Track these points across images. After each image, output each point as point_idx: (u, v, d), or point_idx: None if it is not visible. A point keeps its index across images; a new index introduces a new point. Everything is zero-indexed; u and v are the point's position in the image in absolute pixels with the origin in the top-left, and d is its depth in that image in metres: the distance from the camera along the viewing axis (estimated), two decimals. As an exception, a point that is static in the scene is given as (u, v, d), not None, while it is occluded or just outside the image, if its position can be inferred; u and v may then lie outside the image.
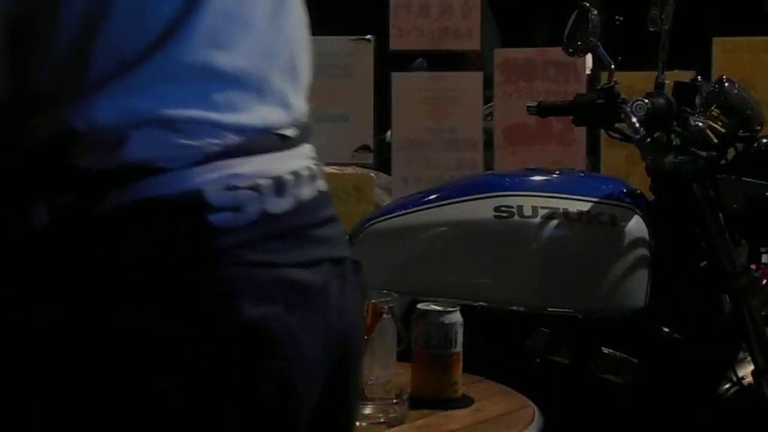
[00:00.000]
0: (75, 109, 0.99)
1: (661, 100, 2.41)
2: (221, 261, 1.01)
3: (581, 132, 3.81)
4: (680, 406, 2.39)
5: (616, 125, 2.51)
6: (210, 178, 1.01)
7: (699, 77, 2.62)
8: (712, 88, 2.44)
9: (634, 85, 2.67)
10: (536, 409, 1.92)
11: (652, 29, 2.49)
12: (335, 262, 1.14)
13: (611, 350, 2.36)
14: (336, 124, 3.99)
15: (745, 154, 2.42)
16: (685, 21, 2.78)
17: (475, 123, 3.94)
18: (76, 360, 0.98)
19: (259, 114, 1.07)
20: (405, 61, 4.38)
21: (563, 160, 3.79)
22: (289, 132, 1.11)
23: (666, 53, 2.50)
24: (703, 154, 2.38)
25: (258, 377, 1.03)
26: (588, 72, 3.93)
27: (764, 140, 2.41)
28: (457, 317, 1.93)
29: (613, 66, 2.48)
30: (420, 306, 1.96)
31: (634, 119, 2.39)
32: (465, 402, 1.93)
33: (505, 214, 2.40)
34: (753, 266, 2.41)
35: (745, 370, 2.37)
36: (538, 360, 2.37)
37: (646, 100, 2.39)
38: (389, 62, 4.10)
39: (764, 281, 2.47)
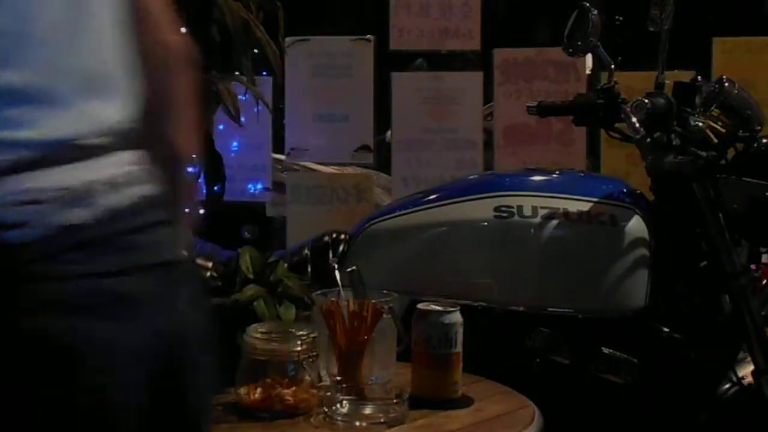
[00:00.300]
0: None
1: (661, 100, 2.41)
2: (20, 276, 1.00)
3: (581, 132, 3.81)
4: (680, 406, 2.39)
5: (616, 125, 2.50)
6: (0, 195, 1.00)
7: (699, 77, 2.62)
8: (712, 88, 2.43)
9: (634, 85, 2.67)
10: (536, 409, 1.92)
11: (652, 29, 2.49)
12: (161, 266, 1.11)
13: (611, 350, 2.36)
14: (336, 124, 3.99)
15: (745, 154, 2.42)
16: (685, 21, 2.77)
17: (475, 123, 3.94)
18: None
19: (53, 127, 1.05)
20: (405, 61, 4.39)
21: (563, 160, 3.80)
22: (96, 141, 1.09)
23: (666, 53, 2.50)
24: (703, 154, 2.38)
25: (69, 391, 1.01)
26: (588, 72, 3.93)
27: (764, 140, 2.41)
28: (457, 317, 1.93)
29: (613, 66, 2.48)
30: (420, 306, 1.96)
31: (634, 119, 2.39)
32: (465, 402, 1.93)
33: (505, 214, 2.40)
34: (753, 266, 2.41)
35: (745, 370, 2.37)
36: (538, 360, 2.37)
37: (646, 100, 2.39)
38: (389, 62, 4.10)
39: (764, 281, 2.47)
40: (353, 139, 3.99)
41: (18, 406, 1.00)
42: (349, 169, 4.46)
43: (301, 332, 1.87)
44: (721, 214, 2.36)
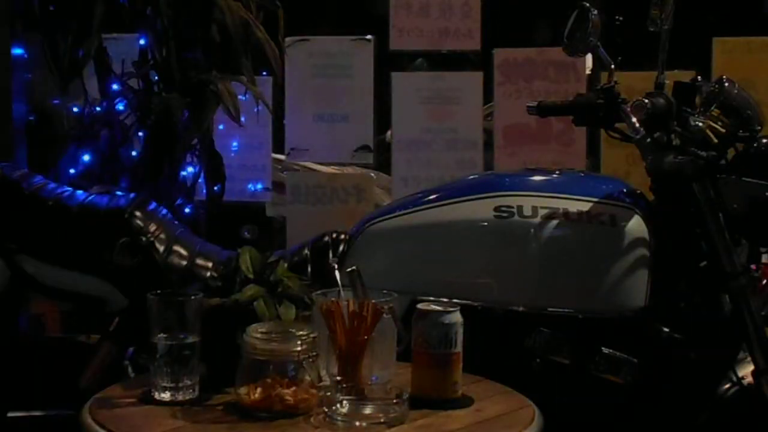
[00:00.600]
0: None
1: (661, 100, 2.41)
2: None
3: (581, 132, 3.82)
4: (680, 406, 2.39)
5: (616, 125, 2.51)
6: None
7: (699, 77, 2.62)
8: (712, 88, 2.44)
9: (634, 85, 2.67)
10: (536, 409, 1.92)
11: (652, 29, 2.49)
12: None
13: (611, 350, 2.36)
14: (336, 124, 4.00)
15: (745, 154, 2.42)
16: (685, 21, 2.77)
17: (475, 123, 3.94)
18: None
19: None
20: (405, 61, 4.39)
21: (563, 160, 3.80)
22: None
23: (666, 53, 2.50)
24: (703, 154, 2.38)
25: None
26: (588, 72, 3.93)
27: (764, 140, 2.41)
28: (457, 317, 1.93)
29: (613, 66, 2.48)
30: (420, 306, 1.96)
31: (634, 119, 2.39)
32: (465, 402, 1.93)
33: (505, 214, 2.40)
34: (753, 266, 2.41)
35: (745, 370, 2.37)
36: (538, 360, 2.37)
37: (646, 100, 2.39)
38: (389, 62, 4.11)
39: (764, 281, 2.47)
40: (353, 139, 3.99)
41: None
42: (349, 169, 4.47)
43: (301, 332, 1.87)
44: (721, 214, 2.36)
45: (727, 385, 2.40)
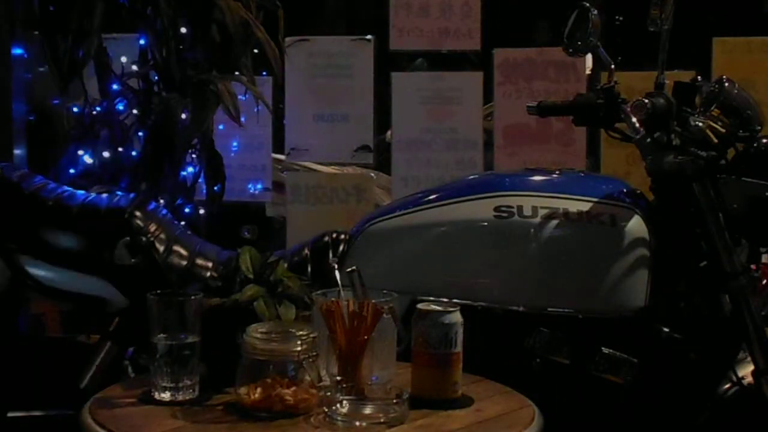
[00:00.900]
0: None
1: (661, 100, 2.41)
2: None
3: (581, 132, 3.82)
4: (680, 406, 2.39)
5: (616, 125, 2.50)
6: None
7: (699, 77, 2.62)
8: (712, 88, 2.43)
9: (634, 85, 2.67)
10: (536, 409, 1.92)
11: (652, 29, 2.49)
12: None
13: (611, 350, 2.36)
14: (336, 124, 4.00)
15: (745, 154, 2.42)
16: (685, 21, 2.78)
17: (475, 123, 3.94)
18: None
19: None
20: (405, 61, 4.39)
21: (563, 160, 3.81)
22: None
23: (666, 53, 2.50)
24: (703, 154, 2.38)
25: None
26: (588, 72, 3.93)
27: (764, 140, 2.41)
28: (457, 317, 1.93)
29: (613, 66, 2.48)
30: (420, 306, 1.96)
31: (634, 119, 2.39)
32: (465, 402, 1.93)
33: (505, 214, 2.40)
34: (753, 266, 2.41)
35: (745, 370, 2.37)
36: (538, 360, 2.37)
37: (646, 100, 2.39)
38: (389, 62, 4.11)
39: (764, 281, 2.47)
40: (353, 139, 3.99)
41: None
42: (349, 169, 4.47)
43: (301, 332, 1.87)
44: (721, 214, 2.36)
45: (727, 385, 2.40)
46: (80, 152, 3.48)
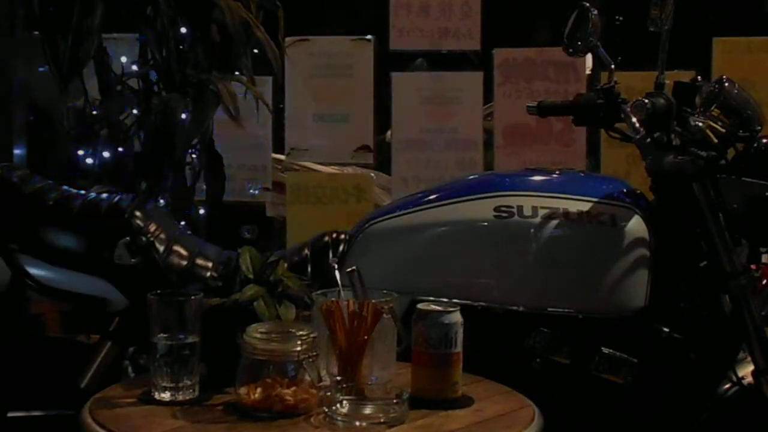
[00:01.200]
0: None
1: (661, 100, 2.41)
2: None
3: (581, 132, 3.82)
4: (680, 406, 2.39)
5: (616, 125, 2.50)
6: None
7: (699, 77, 2.62)
8: (712, 88, 2.43)
9: (634, 85, 2.67)
10: (536, 409, 1.92)
11: (652, 29, 2.49)
12: None
13: (611, 350, 2.36)
14: (336, 124, 4.00)
15: (745, 154, 2.42)
16: (685, 21, 2.77)
17: (475, 123, 3.94)
18: None
19: None
20: (405, 61, 4.39)
21: (563, 160, 3.81)
22: None
23: (666, 53, 2.50)
24: (703, 154, 2.38)
25: None
26: (588, 72, 3.94)
27: (764, 140, 2.41)
28: (457, 317, 1.93)
29: (613, 66, 2.48)
30: (420, 306, 1.96)
31: (634, 119, 2.39)
32: (465, 402, 1.93)
33: (505, 214, 2.40)
34: (753, 266, 2.41)
35: (745, 370, 2.37)
36: (538, 360, 2.37)
37: (646, 100, 2.39)
38: (389, 62, 4.11)
39: (764, 281, 2.47)
40: (353, 139, 3.99)
41: None
42: (349, 169, 4.47)
43: (301, 332, 1.87)
44: (721, 214, 2.36)
45: (727, 385, 2.40)
46: (80, 152, 3.48)
